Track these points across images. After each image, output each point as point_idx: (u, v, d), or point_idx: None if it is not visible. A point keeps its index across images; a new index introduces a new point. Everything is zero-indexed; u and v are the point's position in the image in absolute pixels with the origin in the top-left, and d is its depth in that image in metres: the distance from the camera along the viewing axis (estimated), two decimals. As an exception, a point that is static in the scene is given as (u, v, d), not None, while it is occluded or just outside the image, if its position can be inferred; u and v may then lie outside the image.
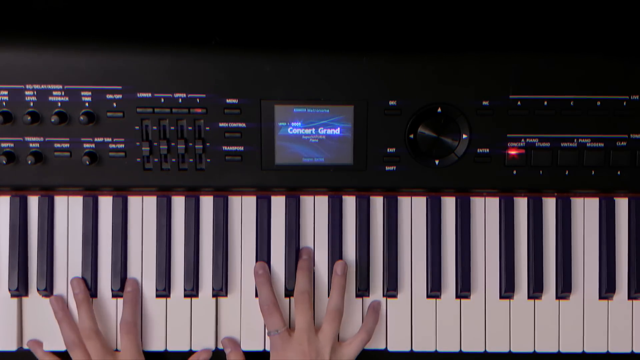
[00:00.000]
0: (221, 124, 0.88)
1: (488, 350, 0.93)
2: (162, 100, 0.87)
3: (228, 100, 0.87)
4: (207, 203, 0.94)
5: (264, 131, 0.88)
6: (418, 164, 0.90)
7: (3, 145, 0.88)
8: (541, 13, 0.92)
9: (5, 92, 0.86)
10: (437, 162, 0.90)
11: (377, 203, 0.94)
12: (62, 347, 0.92)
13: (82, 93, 0.87)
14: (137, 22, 0.89)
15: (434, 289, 0.93)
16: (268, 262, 0.93)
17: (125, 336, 0.89)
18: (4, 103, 0.87)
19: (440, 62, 0.88)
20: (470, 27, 0.91)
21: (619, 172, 0.90)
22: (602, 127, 0.89)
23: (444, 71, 0.88)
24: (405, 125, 0.89)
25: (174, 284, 0.93)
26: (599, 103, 0.88)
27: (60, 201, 0.93)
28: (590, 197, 0.95)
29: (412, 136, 0.89)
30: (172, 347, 0.93)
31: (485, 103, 0.88)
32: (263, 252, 0.93)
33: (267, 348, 0.92)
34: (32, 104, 0.87)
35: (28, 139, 0.88)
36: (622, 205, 0.95)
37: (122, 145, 0.88)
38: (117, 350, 0.92)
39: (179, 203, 0.94)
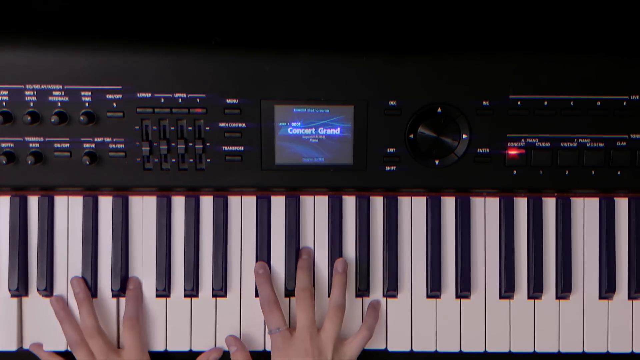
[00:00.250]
0: (221, 124, 0.88)
1: (488, 350, 0.93)
2: (162, 100, 0.87)
3: (228, 100, 0.87)
4: (207, 203, 0.94)
5: (264, 131, 0.88)
6: (418, 164, 0.90)
7: (3, 145, 0.88)
8: (541, 13, 0.92)
9: (5, 92, 0.86)
10: (437, 162, 0.90)
11: (377, 203, 0.94)
12: (62, 347, 0.92)
13: (82, 93, 0.87)
14: (137, 22, 0.89)
15: (434, 289, 0.93)
16: (268, 262, 0.93)
17: (129, 332, 0.89)
18: (4, 103, 0.87)
19: (440, 62, 0.88)
20: (470, 27, 0.91)
21: (619, 172, 0.90)
22: (602, 127, 0.89)
23: (444, 71, 0.88)
24: (405, 125, 0.89)
25: (174, 284, 0.93)
26: (599, 103, 0.88)
27: (60, 201, 0.93)
28: (590, 197, 0.95)
29: (412, 136, 0.89)
30: (172, 347, 0.93)
31: (485, 103, 0.88)
32: (263, 252, 0.93)
33: (267, 348, 0.92)
34: (32, 104, 0.87)
35: (28, 139, 0.88)
36: (622, 205, 0.95)
37: (122, 145, 0.88)
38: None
39: (179, 203, 0.94)
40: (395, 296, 0.94)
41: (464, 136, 0.89)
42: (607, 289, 0.93)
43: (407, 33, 0.90)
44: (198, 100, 0.87)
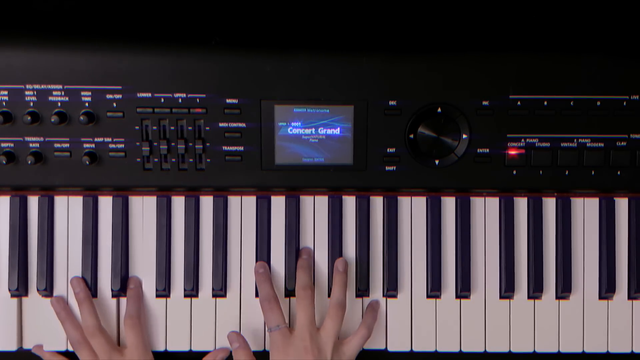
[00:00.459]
0: (221, 124, 0.88)
1: (488, 350, 0.93)
2: (162, 100, 0.87)
3: (228, 100, 0.87)
4: (207, 203, 0.94)
5: (264, 131, 0.88)
6: (418, 164, 0.90)
7: (3, 145, 0.88)
8: (541, 13, 0.92)
9: (5, 92, 0.86)
10: (437, 162, 0.90)
11: (377, 203, 0.94)
12: (62, 347, 0.92)
13: (82, 93, 0.87)
14: (137, 22, 0.89)
15: (434, 289, 0.93)
16: (268, 262, 0.93)
17: (131, 331, 0.89)
18: (4, 103, 0.87)
19: (440, 62, 0.88)
20: (470, 27, 0.91)
21: (619, 172, 0.90)
22: (602, 127, 0.89)
23: (444, 71, 0.88)
24: (405, 125, 0.89)
25: (174, 284, 0.93)
26: (599, 103, 0.88)
27: (60, 201, 0.93)
28: (590, 197, 0.95)
29: (412, 136, 0.89)
30: (172, 347, 0.93)
31: (485, 103, 0.88)
32: (263, 252, 0.93)
33: (268, 348, 0.92)
34: (32, 104, 0.87)
35: (28, 139, 0.88)
36: (622, 205, 0.95)
37: (122, 145, 0.88)
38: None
39: (179, 203, 0.94)
40: (395, 296, 0.94)
41: (464, 136, 0.89)
42: (607, 289, 0.93)
43: (407, 33, 0.90)
44: (198, 100, 0.87)
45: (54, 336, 0.92)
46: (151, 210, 0.93)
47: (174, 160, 0.89)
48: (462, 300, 0.94)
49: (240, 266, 0.94)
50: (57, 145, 0.88)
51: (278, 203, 0.94)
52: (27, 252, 0.93)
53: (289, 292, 0.93)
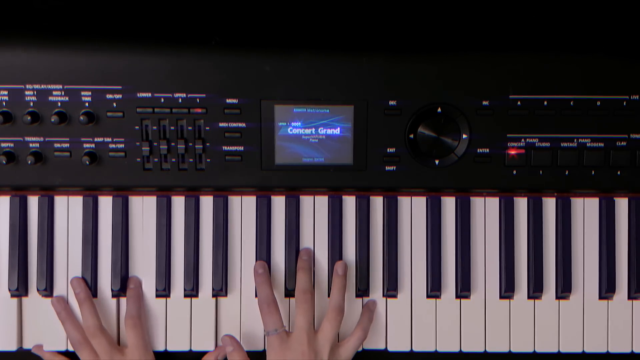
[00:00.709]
0: (221, 124, 0.88)
1: (488, 350, 0.93)
2: (162, 100, 0.87)
3: (228, 100, 0.87)
4: (207, 203, 0.94)
5: (264, 131, 0.88)
6: (418, 164, 0.90)
7: (3, 145, 0.88)
8: (541, 13, 0.92)
9: (5, 92, 0.86)
10: (437, 162, 0.90)
11: (377, 203, 0.94)
12: (62, 347, 0.92)
13: (82, 93, 0.87)
14: (137, 22, 0.89)
15: (434, 289, 0.93)
16: (268, 262, 0.93)
17: (131, 331, 0.89)
18: (4, 103, 0.87)
19: (440, 62, 0.88)
20: (470, 27, 0.91)
21: (619, 172, 0.90)
22: (602, 127, 0.89)
23: (444, 71, 0.88)
24: (405, 125, 0.89)
25: (174, 284, 0.93)
26: (599, 103, 0.88)
27: (60, 201, 0.93)
28: (590, 197, 0.95)
29: (412, 136, 0.89)
30: (171, 347, 0.93)
31: (485, 103, 0.88)
32: (263, 252, 0.93)
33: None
34: (32, 104, 0.87)
35: (28, 139, 0.88)
36: (622, 205, 0.95)
37: (122, 145, 0.88)
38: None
39: (179, 203, 0.94)
40: (395, 296, 0.94)
41: (464, 136, 0.89)
42: (607, 289, 0.93)
43: (407, 33, 0.90)
44: (198, 100, 0.87)
45: (54, 336, 0.92)
46: (151, 210, 0.93)
47: (174, 160, 0.89)
48: (462, 300, 0.94)
49: (241, 266, 0.94)
50: (57, 145, 0.88)
51: (278, 203, 0.94)
52: (27, 252, 0.93)
53: (289, 292, 0.93)
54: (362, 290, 0.93)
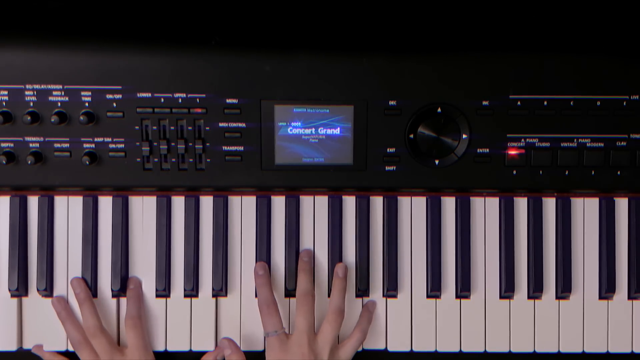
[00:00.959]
0: (221, 124, 0.88)
1: (488, 350, 0.93)
2: (162, 100, 0.87)
3: (228, 100, 0.87)
4: (207, 203, 0.94)
5: (264, 131, 0.88)
6: (418, 164, 0.90)
7: (3, 145, 0.88)
8: (541, 13, 0.92)
9: (5, 92, 0.86)
10: (437, 162, 0.90)
11: (377, 203, 0.94)
12: (62, 347, 0.92)
13: (82, 93, 0.87)
14: (137, 22, 0.89)
15: (434, 289, 0.93)
16: (268, 262, 0.93)
17: (132, 331, 0.89)
18: (4, 103, 0.87)
19: (440, 62, 0.88)
20: (470, 27, 0.91)
21: (619, 172, 0.90)
22: (602, 127, 0.89)
23: (444, 71, 0.88)
24: (405, 125, 0.89)
25: (174, 284, 0.93)
26: (599, 103, 0.88)
27: (60, 201, 0.93)
28: (590, 197, 0.95)
29: (412, 136, 0.89)
30: (171, 347, 0.93)
31: (485, 103, 0.88)
32: (263, 252, 0.93)
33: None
34: (32, 104, 0.87)
35: (28, 139, 0.88)
36: (622, 205, 0.95)
37: (122, 145, 0.88)
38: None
39: (179, 203, 0.94)
40: (395, 296, 0.94)
41: (464, 136, 0.89)
42: (607, 289, 0.93)
43: (407, 33, 0.90)
44: (198, 100, 0.87)
45: (54, 336, 0.92)
46: (151, 210, 0.93)
47: (174, 160, 0.89)
48: (462, 300, 0.94)
49: (241, 266, 0.94)
50: (57, 145, 0.88)
51: (278, 203, 0.94)
52: (27, 252, 0.93)
53: (289, 292, 0.93)
54: (362, 290, 0.93)
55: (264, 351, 0.92)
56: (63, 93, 0.87)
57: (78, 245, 0.93)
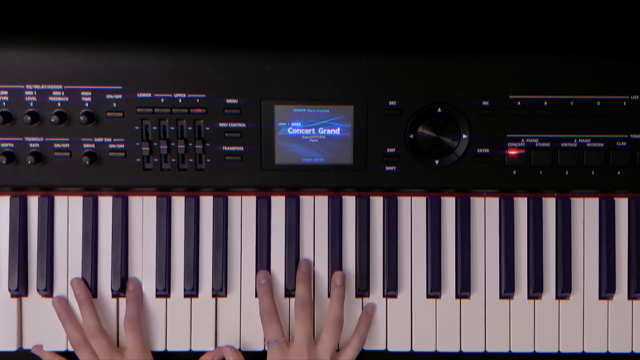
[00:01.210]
0: (221, 124, 0.88)
1: (488, 350, 0.93)
2: (162, 100, 0.87)
3: (228, 100, 0.87)
4: (207, 203, 0.94)
5: (264, 131, 0.88)
6: (418, 164, 0.90)
7: (3, 145, 0.88)
8: (541, 13, 0.92)
9: (5, 92, 0.86)
10: (437, 162, 0.90)
11: (377, 203, 0.94)
12: (62, 347, 0.92)
13: (82, 93, 0.87)
14: (137, 22, 0.89)
15: (434, 289, 0.93)
16: (268, 262, 0.93)
17: (131, 333, 0.89)
18: (4, 103, 0.87)
19: (440, 62, 0.88)
20: (470, 27, 0.91)
21: (619, 172, 0.90)
22: (602, 127, 0.89)
23: (444, 71, 0.88)
24: (405, 125, 0.89)
25: (174, 284, 0.93)
26: (599, 103, 0.88)
27: (60, 201, 0.93)
28: (590, 197, 0.95)
29: (412, 136, 0.89)
30: (171, 347, 0.93)
31: (485, 103, 0.88)
32: (263, 252, 0.93)
33: (267, 348, 0.92)
34: (32, 104, 0.87)
35: (28, 139, 0.88)
36: (622, 205, 0.95)
37: (122, 145, 0.88)
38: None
39: (179, 203, 0.94)
40: (395, 296, 0.94)
41: (464, 136, 0.89)
42: (607, 289, 0.93)
43: (407, 33, 0.90)
44: (198, 100, 0.87)
45: (53, 336, 0.92)
46: (151, 210, 0.93)
47: (174, 160, 0.89)
48: (462, 300, 0.94)
49: (241, 266, 0.94)
50: (57, 145, 0.88)
51: (278, 203, 0.94)
52: (27, 252, 0.93)
53: (288, 293, 0.93)
54: (362, 290, 0.93)
55: (263, 351, 0.92)
56: (63, 93, 0.87)
57: (78, 245, 0.93)
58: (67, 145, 0.88)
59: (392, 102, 0.88)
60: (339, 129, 0.89)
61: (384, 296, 0.94)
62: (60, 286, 0.93)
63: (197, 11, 0.90)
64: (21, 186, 0.91)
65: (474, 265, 0.94)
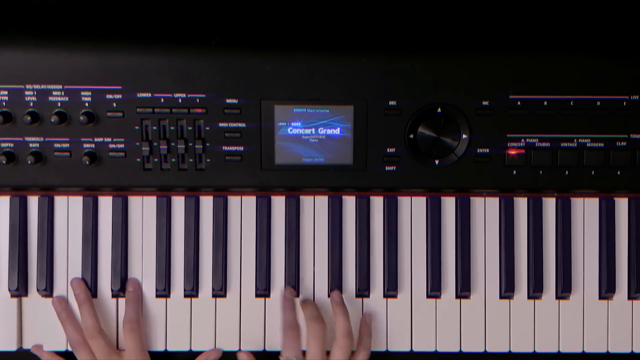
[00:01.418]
0: (221, 124, 0.88)
1: (488, 350, 0.93)
2: (162, 100, 0.87)
3: (228, 100, 0.87)
4: (207, 203, 0.94)
5: (264, 131, 0.88)
6: (418, 164, 0.90)
7: (3, 145, 0.88)
8: (541, 13, 0.92)
9: (5, 92, 0.86)
10: (437, 162, 0.90)
11: (377, 203, 0.94)
12: (62, 347, 0.92)
13: (82, 93, 0.87)
14: (137, 22, 0.89)
15: (434, 289, 0.93)
16: (268, 262, 0.93)
17: (129, 335, 0.89)
18: (4, 103, 0.87)
19: (440, 62, 0.88)
20: (470, 27, 0.91)
21: (619, 172, 0.90)
22: (602, 127, 0.89)
23: (444, 71, 0.88)
24: (405, 125, 0.89)
25: (174, 284, 0.93)
26: (599, 103, 0.88)
27: (60, 201, 0.93)
28: (590, 197, 0.95)
29: (412, 136, 0.89)
30: (172, 347, 0.93)
31: (485, 103, 0.88)
32: (263, 253, 0.93)
33: (267, 348, 0.92)
34: (32, 104, 0.87)
35: (28, 139, 0.88)
36: (622, 205, 0.95)
37: (122, 145, 0.88)
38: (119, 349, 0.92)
39: (179, 203, 0.94)
40: (395, 296, 0.94)
41: (464, 136, 0.89)
42: (607, 289, 0.93)
43: (407, 33, 0.90)
44: (198, 100, 0.87)
45: (53, 336, 0.92)
46: (151, 210, 0.93)
47: (174, 160, 0.89)
48: (462, 300, 0.94)
49: (240, 266, 0.94)
50: (57, 145, 0.88)
51: (278, 203, 0.94)
52: (27, 252, 0.93)
53: (289, 292, 0.93)
54: (362, 290, 0.93)
55: (263, 351, 0.92)
56: (63, 93, 0.87)
57: (78, 245, 0.93)
58: (67, 145, 0.88)
59: (392, 102, 0.88)
60: (339, 129, 0.89)
61: (384, 296, 0.94)
62: (60, 286, 0.93)
63: (197, 11, 0.90)
64: (21, 186, 0.91)
65: (474, 265, 0.94)
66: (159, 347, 0.93)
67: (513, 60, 0.88)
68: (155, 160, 0.89)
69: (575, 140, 0.89)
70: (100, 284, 0.93)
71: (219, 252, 0.93)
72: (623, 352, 0.94)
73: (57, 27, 0.88)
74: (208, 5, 0.90)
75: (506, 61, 0.88)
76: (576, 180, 0.90)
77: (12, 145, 0.88)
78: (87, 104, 0.87)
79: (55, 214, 0.93)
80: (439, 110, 0.88)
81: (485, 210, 0.95)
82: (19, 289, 0.92)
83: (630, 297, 0.94)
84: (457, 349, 0.93)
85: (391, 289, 0.93)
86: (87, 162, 0.87)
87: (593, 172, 0.90)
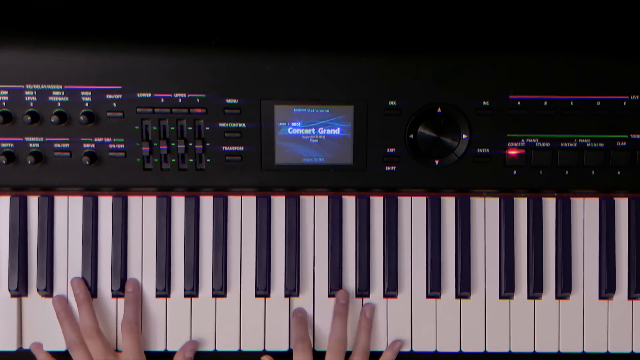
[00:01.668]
0: (221, 124, 0.88)
1: (488, 350, 0.93)
2: (162, 100, 0.87)
3: (228, 100, 0.87)
4: (207, 203, 0.94)
5: (264, 131, 0.88)
6: (418, 164, 0.90)
7: (3, 145, 0.88)
8: (541, 13, 0.92)
9: (5, 92, 0.87)
10: (437, 162, 0.90)
11: (377, 203, 0.94)
12: (62, 348, 0.92)
13: (82, 93, 0.87)
14: (137, 22, 0.89)
15: (434, 289, 0.93)
16: (268, 262, 0.93)
17: (128, 335, 0.89)
18: (4, 103, 0.87)
19: (440, 62, 0.88)
20: (470, 27, 0.91)
21: (619, 172, 0.90)
22: (602, 127, 0.89)
23: (444, 71, 0.88)
24: (405, 125, 0.89)
25: (173, 284, 0.93)
26: (599, 103, 0.88)
27: (60, 201, 0.93)
28: (590, 197, 0.95)
29: (412, 136, 0.89)
30: (172, 347, 0.93)
31: (485, 103, 0.88)
32: (263, 253, 0.93)
33: (267, 348, 0.92)
34: (32, 104, 0.87)
35: (28, 139, 0.88)
36: (622, 205, 0.95)
37: (122, 145, 0.88)
38: (117, 350, 0.92)
39: (179, 203, 0.94)
40: (395, 296, 0.94)
41: (464, 136, 0.89)
42: (607, 289, 0.93)
43: (407, 33, 0.90)
44: (198, 100, 0.87)
45: (53, 336, 0.92)
46: (151, 210, 0.93)
47: (174, 160, 0.89)
48: (462, 300, 0.94)
49: (240, 266, 0.94)
50: (57, 145, 0.88)
51: (278, 203, 0.94)
52: (27, 252, 0.93)
53: (289, 293, 0.93)
54: (362, 290, 0.93)
55: (263, 351, 0.92)
56: (63, 93, 0.87)
57: (78, 245, 0.93)
58: (67, 145, 0.88)
59: (392, 102, 0.88)
60: (339, 129, 0.89)
61: (384, 296, 0.94)
62: (60, 286, 0.93)
63: (197, 11, 0.90)
64: (21, 186, 0.91)
65: (474, 265, 0.94)
66: (159, 347, 0.93)
67: (513, 60, 0.88)
68: (155, 160, 0.89)
69: (575, 140, 0.89)
70: (100, 284, 0.93)
71: (219, 252, 0.93)
72: (623, 352, 0.94)
73: (57, 27, 0.88)
74: (208, 5, 0.90)
75: (506, 61, 0.88)
76: (576, 180, 0.90)
77: (12, 145, 0.88)
78: (87, 104, 0.87)
79: (55, 214, 0.93)
80: (439, 110, 0.88)
81: (485, 210, 0.95)
82: (19, 289, 0.92)
83: (630, 297, 0.94)
84: (457, 349, 0.93)
85: (391, 289, 0.93)
86: (87, 162, 0.87)
87: (593, 172, 0.90)
